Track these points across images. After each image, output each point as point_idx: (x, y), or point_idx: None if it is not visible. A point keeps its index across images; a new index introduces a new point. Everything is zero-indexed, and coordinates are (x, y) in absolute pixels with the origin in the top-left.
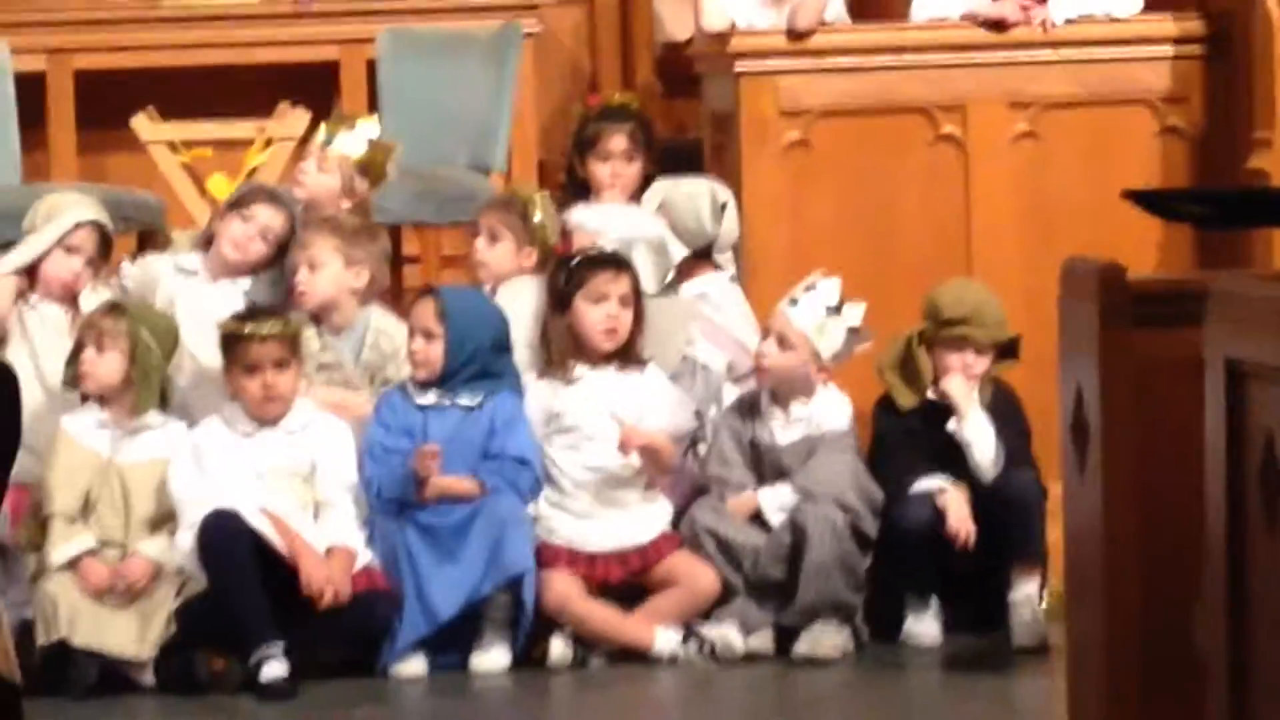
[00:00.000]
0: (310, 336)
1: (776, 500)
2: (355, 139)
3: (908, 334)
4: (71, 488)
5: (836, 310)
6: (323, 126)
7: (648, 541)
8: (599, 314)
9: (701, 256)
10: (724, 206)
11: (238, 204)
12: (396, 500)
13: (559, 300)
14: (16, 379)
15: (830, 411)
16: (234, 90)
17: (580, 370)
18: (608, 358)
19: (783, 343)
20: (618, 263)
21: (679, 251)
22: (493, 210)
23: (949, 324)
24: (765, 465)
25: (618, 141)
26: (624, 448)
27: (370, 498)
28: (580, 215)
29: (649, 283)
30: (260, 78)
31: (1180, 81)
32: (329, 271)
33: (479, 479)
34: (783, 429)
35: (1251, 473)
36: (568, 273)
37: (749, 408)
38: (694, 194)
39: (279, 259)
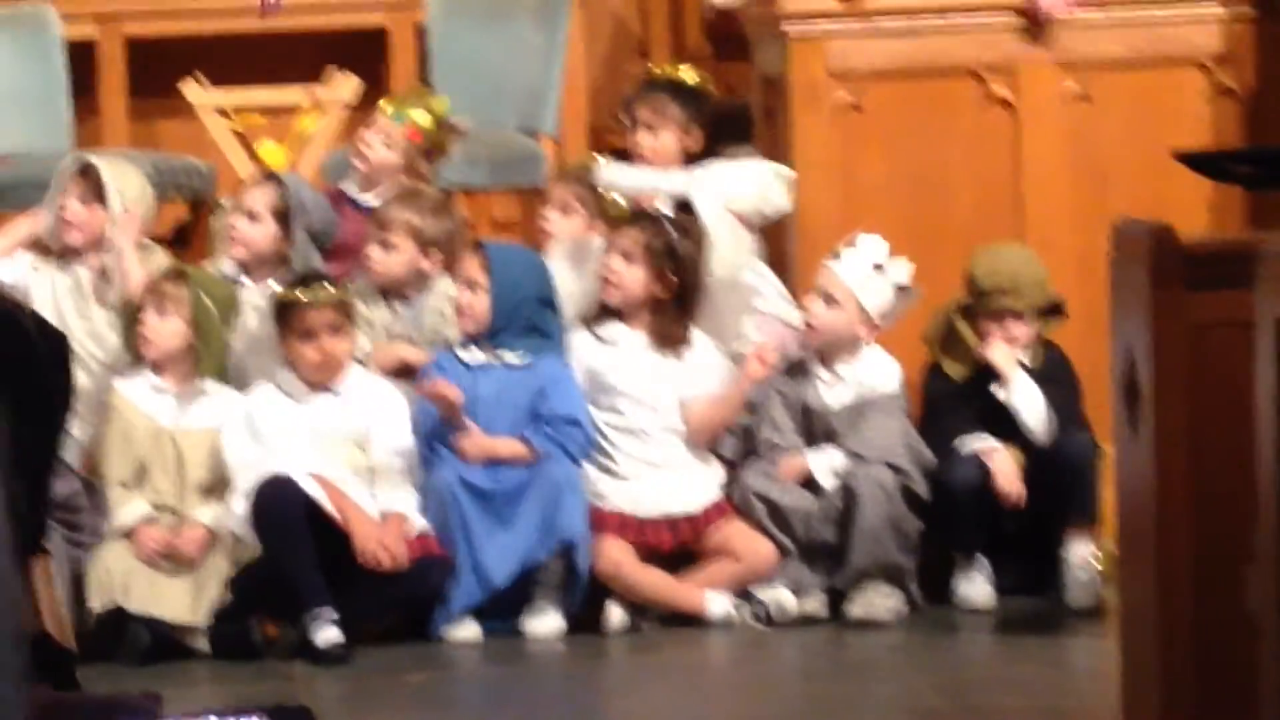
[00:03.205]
0: (379, 307)
1: (827, 463)
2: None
3: (948, 306)
4: (126, 454)
5: (880, 267)
6: (392, 101)
7: (698, 509)
8: (602, 266)
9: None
10: (784, 180)
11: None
12: (444, 449)
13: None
14: (68, 342)
15: (879, 373)
16: (283, 57)
17: (616, 331)
18: (643, 322)
19: (829, 300)
20: (630, 217)
21: (744, 236)
22: (567, 182)
23: (986, 295)
24: (815, 428)
25: (643, 112)
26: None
27: (422, 451)
28: (615, 174)
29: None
30: (309, 43)
31: (1231, 41)
32: (403, 255)
33: (527, 442)
34: (831, 390)
35: None
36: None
37: (798, 371)
38: (758, 170)
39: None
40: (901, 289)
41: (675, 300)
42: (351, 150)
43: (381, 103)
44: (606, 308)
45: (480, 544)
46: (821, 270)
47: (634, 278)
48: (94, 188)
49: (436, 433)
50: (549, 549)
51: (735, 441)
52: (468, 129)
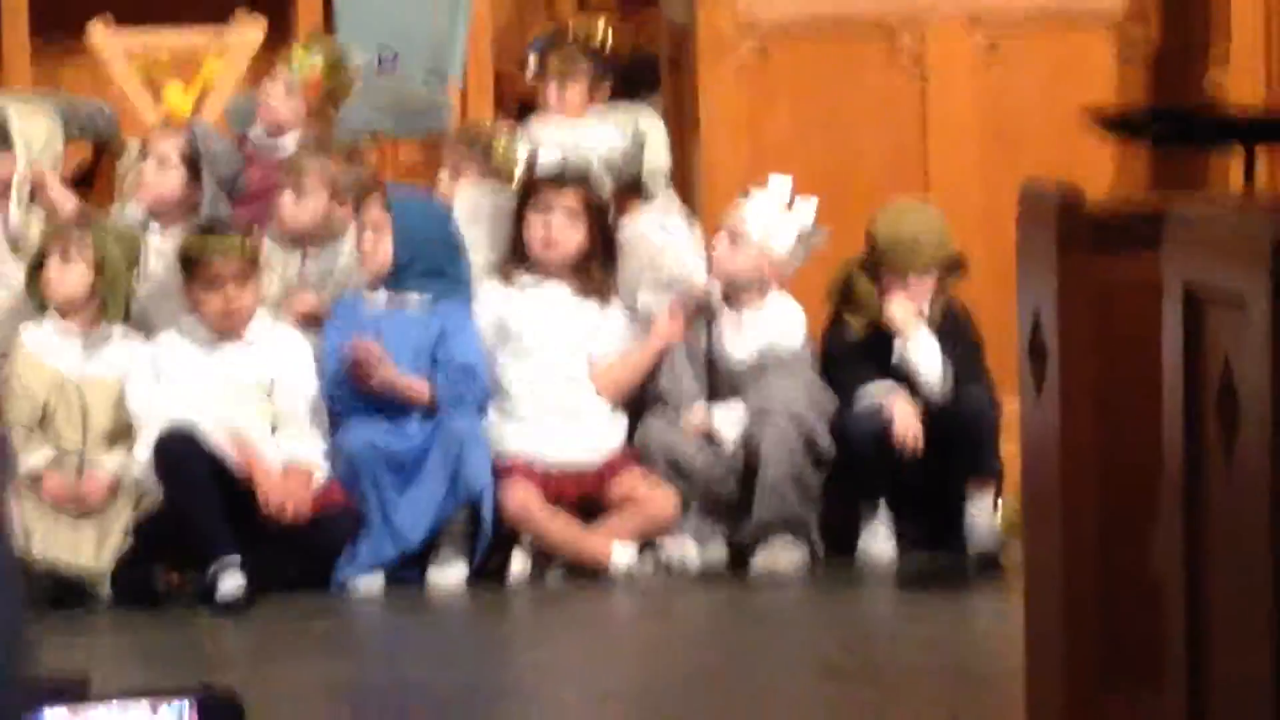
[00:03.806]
0: (290, 255)
1: (730, 418)
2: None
3: (848, 262)
4: (29, 399)
5: (789, 206)
6: (293, 51)
7: (601, 459)
8: (538, 224)
9: (632, 190)
10: (639, 135)
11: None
12: (351, 405)
13: (518, 210)
14: None
15: (785, 323)
16: None
17: (530, 280)
18: (564, 274)
19: (734, 239)
20: (568, 177)
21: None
22: (456, 146)
23: (887, 252)
24: (719, 379)
25: (565, 67)
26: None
27: (329, 406)
28: (536, 131)
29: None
30: None
31: (1139, 2)
32: (315, 203)
33: (423, 383)
34: (736, 339)
35: (1209, 398)
36: (524, 184)
37: (703, 320)
38: (628, 119)
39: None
40: (808, 230)
41: (603, 254)
42: (257, 99)
43: (283, 54)
44: (521, 258)
45: (391, 503)
46: (729, 210)
47: (576, 236)
48: (1, 133)
49: (341, 383)
50: (458, 502)
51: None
52: (357, 65)
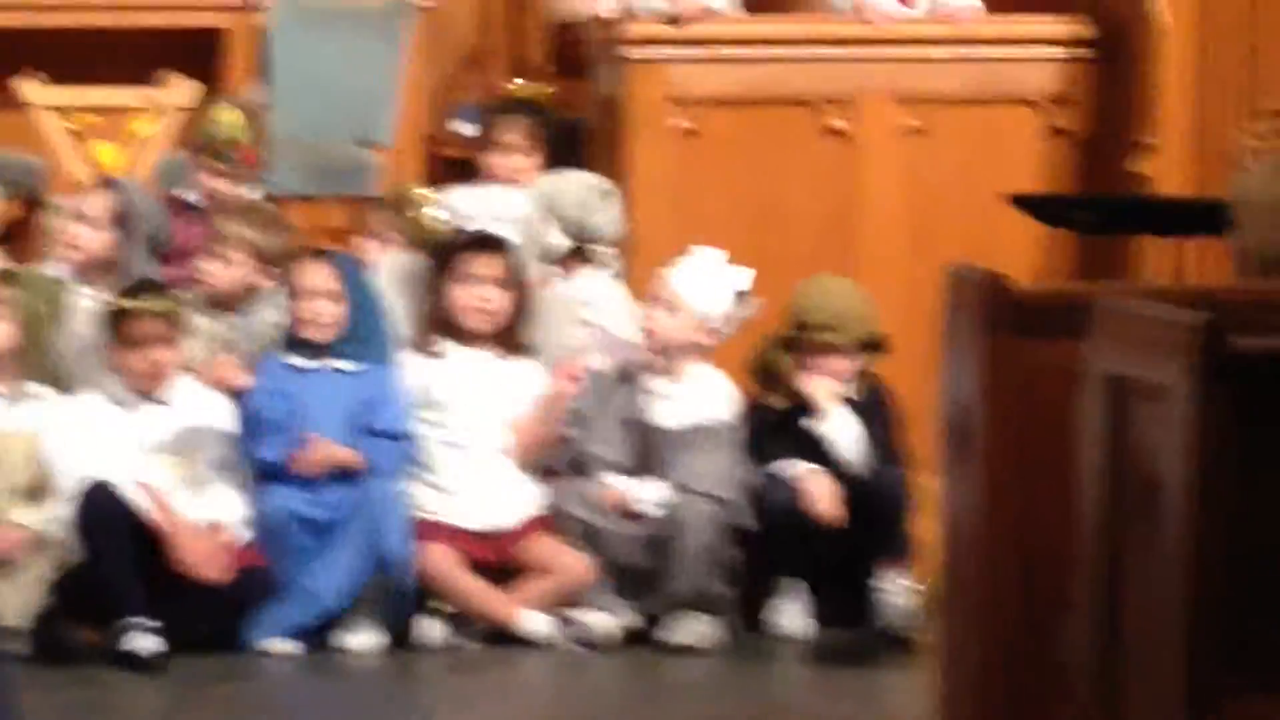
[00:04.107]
0: (207, 320)
1: (653, 495)
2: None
3: (768, 339)
4: None
5: (718, 274)
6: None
7: (516, 524)
8: (470, 296)
9: (579, 254)
10: (607, 194)
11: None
12: (273, 468)
13: (433, 280)
14: None
15: (715, 395)
16: (118, 54)
17: (451, 348)
18: (486, 340)
19: (670, 308)
20: (493, 244)
21: (561, 241)
22: (383, 216)
23: (808, 329)
24: (648, 446)
25: (514, 137)
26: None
27: (247, 464)
28: (454, 199)
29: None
30: (146, 42)
31: (1068, 83)
32: (238, 269)
33: (357, 454)
34: (665, 409)
35: (1131, 488)
36: (443, 254)
37: (630, 383)
38: (580, 182)
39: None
40: (740, 293)
41: (523, 315)
42: (185, 159)
43: (202, 114)
44: (440, 326)
45: (308, 567)
46: (657, 278)
47: (505, 303)
48: None
49: (260, 437)
50: (375, 568)
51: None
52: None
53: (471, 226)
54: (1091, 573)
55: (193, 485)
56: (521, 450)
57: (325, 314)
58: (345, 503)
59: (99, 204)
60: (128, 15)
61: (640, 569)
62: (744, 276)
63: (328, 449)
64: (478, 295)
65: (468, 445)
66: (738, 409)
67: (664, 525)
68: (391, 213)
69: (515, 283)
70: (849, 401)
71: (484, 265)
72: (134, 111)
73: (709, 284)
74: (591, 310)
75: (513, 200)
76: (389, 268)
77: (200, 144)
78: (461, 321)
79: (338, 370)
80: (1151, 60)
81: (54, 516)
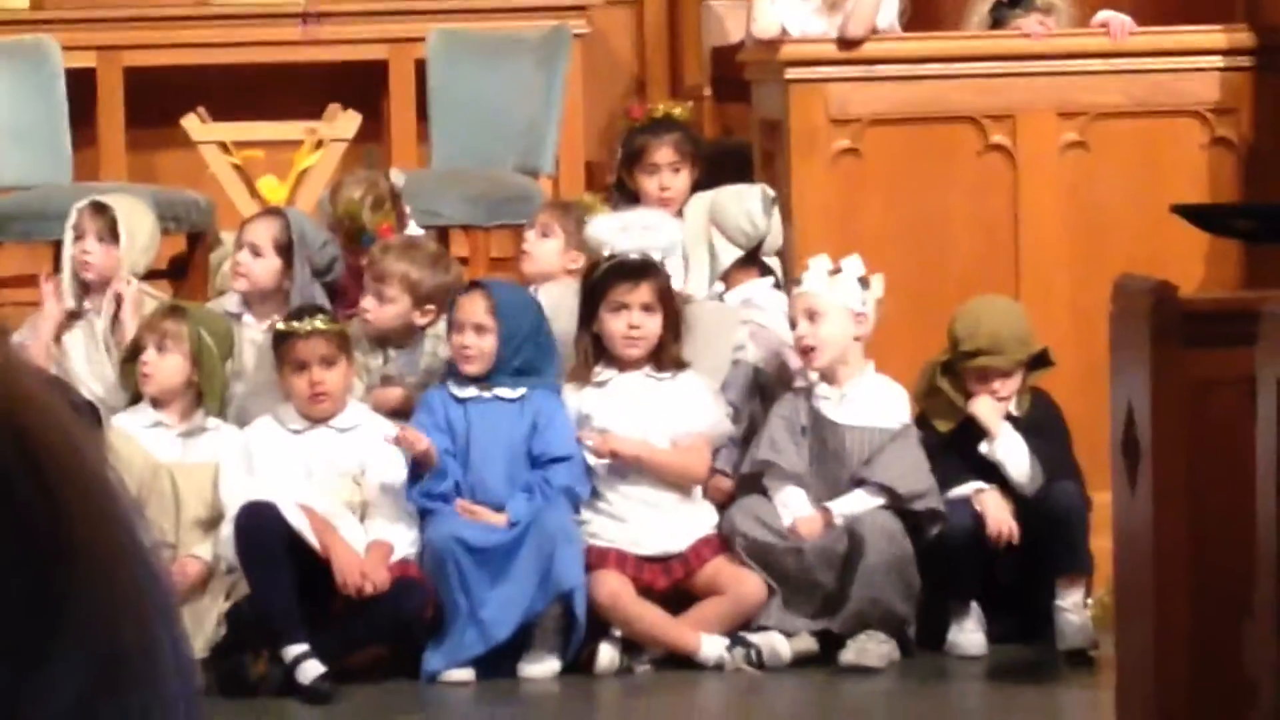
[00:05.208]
0: (371, 355)
1: (849, 507)
2: None
3: (930, 364)
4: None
5: (835, 271)
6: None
7: (688, 547)
8: (620, 323)
9: (748, 262)
10: (774, 201)
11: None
12: (441, 498)
13: (585, 311)
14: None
15: (885, 395)
16: (283, 90)
17: (608, 374)
18: (641, 362)
19: (810, 316)
20: (639, 270)
21: (730, 254)
22: (550, 208)
23: (968, 355)
24: (825, 446)
25: (664, 153)
26: (596, 453)
27: (415, 500)
28: (596, 227)
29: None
30: (309, 77)
31: (1229, 93)
32: (397, 308)
33: (509, 508)
34: (836, 407)
35: None
36: (591, 283)
37: (802, 396)
38: (742, 194)
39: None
40: (863, 280)
41: (675, 331)
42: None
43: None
44: (596, 354)
45: (479, 599)
46: (790, 298)
47: (655, 327)
48: (109, 226)
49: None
50: (547, 599)
51: (732, 452)
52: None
53: (618, 250)
54: (1269, 581)
55: (359, 510)
56: (678, 479)
57: (477, 346)
58: (516, 531)
59: (265, 232)
60: (291, 50)
61: (818, 583)
62: (856, 263)
63: (472, 509)
64: (626, 323)
65: (634, 470)
66: (911, 411)
67: (845, 540)
68: (561, 212)
69: (663, 304)
70: (1016, 419)
71: (629, 293)
72: (296, 145)
73: (832, 279)
74: (755, 312)
75: (657, 222)
76: (547, 297)
77: (333, 225)
78: (613, 349)
79: (499, 398)
80: None
81: (220, 538)
